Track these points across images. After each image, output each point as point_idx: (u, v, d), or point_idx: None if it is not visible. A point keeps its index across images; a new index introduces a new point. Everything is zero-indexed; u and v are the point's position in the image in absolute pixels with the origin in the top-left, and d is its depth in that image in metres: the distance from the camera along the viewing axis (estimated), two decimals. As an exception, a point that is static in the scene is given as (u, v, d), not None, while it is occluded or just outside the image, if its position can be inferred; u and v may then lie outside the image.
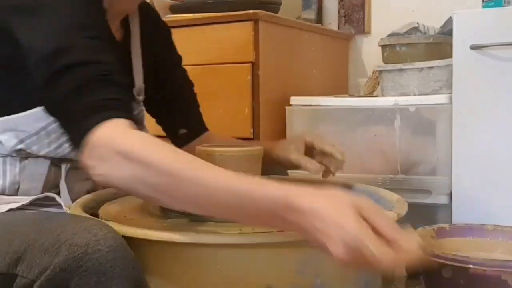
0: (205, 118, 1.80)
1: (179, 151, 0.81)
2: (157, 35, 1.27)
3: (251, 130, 1.76)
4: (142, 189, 0.78)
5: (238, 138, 1.72)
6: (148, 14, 1.25)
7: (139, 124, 1.19)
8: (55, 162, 1.02)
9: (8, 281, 0.77)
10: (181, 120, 1.32)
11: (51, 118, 0.93)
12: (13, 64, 0.92)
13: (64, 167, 1.02)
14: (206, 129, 1.37)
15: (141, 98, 1.20)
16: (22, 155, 0.98)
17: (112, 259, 0.72)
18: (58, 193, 1.01)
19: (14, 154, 0.97)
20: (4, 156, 0.98)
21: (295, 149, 1.16)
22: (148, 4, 1.29)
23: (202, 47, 1.83)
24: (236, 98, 1.77)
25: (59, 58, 0.84)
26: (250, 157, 1.04)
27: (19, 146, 0.96)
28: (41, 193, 0.99)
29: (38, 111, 0.94)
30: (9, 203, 0.97)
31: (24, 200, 0.98)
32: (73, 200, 1.02)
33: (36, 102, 0.93)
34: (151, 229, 0.83)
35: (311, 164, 1.12)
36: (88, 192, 1.09)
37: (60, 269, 0.72)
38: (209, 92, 1.81)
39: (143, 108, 1.23)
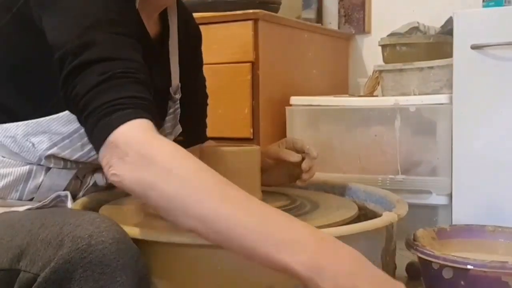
0: (205, 118, 1.80)
1: (209, 169, 0.75)
2: (189, 35, 1.23)
3: (251, 130, 1.75)
4: (155, 197, 0.73)
5: (238, 138, 1.72)
6: (183, 13, 1.22)
7: (172, 122, 1.17)
8: (78, 175, 1.01)
9: (11, 277, 0.77)
10: (182, 126, 1.26)
11: None
12: (46, 63, 0.88)
13: (85, 182, 1.03)
14: (204, 140, 1.33)
15: (177, 96, 1.16)
16: (49, 163, 0.95)
17: (115, 250, 0.72)
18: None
19: (42, 163, 0.95)
20: (31, 164, 0.95)
21: (275, 145, 1.18)
22: (183, 3, 1.24)
23: (202, 47, 1.83)
24: (236, 98, 1.77)
25: (83, 53, 0.80)
26: (251, 155, 1.04)
27: (51, 151, 0.93)
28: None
29: (69, 113, 0.89)
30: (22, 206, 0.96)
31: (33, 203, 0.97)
32: None
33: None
34: (151, 230, 0.83)
35: (291, 154, 1.12)
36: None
37: (64, 261, 0.72)
38: (209, 92, 1.80)
39: (179, 106, 1.18)
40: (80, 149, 0.94)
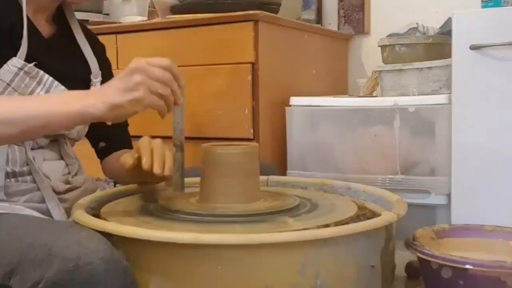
0: (205, 119, 1.81)
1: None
2: (94, 43, 1.26)
3: (251, 131, 1.76)
4: None
5: (238, 139, 1.73)
6: (88, 32, 1.26)
7: None
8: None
9: None
10: (102, 134, 1.27)
11: None
12: None
13: (28, 145, 1.05)
14: (128, 146, 1.30)
15: (98, 80, 1.19)
16: None
17: (103, 270, 0.74)
18: (29, 172, 1.04)
19: None
20: None
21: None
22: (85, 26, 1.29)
23: (202, 47, 1.83)
24: (236, 98, 1.78)
25: None
26: (249, 153, 1.05)
27: None
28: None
29: None
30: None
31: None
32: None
33: None
34: (152, 230, 0.83)
35: (124, 157, 1.06)
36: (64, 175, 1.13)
37: (52, 282, 0.74)
38: (209, 92, 1.81)
39: None
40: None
